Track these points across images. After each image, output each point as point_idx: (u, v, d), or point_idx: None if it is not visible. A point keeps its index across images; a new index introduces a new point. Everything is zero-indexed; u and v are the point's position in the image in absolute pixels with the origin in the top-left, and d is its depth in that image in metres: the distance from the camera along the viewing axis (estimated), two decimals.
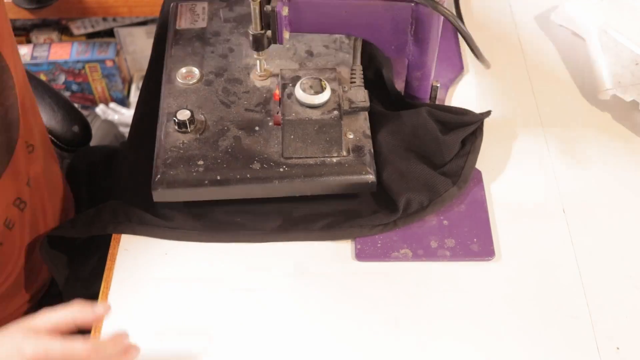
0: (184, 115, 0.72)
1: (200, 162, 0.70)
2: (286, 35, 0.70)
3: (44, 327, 0.57)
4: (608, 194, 0.75)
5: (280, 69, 0.76)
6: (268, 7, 0.68)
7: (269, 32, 0.70)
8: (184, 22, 0.85)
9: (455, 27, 0.70)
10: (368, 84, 0.78)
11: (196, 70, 0.79)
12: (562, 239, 0.72)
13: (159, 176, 0.70)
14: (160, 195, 0.71)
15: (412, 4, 0.69)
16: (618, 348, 0.64)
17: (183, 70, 0.79)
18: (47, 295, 0.82)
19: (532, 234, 0.72)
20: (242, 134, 0.73)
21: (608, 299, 0.67)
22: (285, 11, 0.68)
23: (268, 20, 0.69)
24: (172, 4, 0.88)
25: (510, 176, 0.77)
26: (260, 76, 0.78)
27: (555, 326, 0.65)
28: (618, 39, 0.85)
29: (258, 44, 0.71)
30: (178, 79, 0.78)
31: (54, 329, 0.57)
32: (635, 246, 0.71)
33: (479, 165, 0.77)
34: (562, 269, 0.69)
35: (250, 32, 0.70)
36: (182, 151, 0.71)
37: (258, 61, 0.77)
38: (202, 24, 0.85)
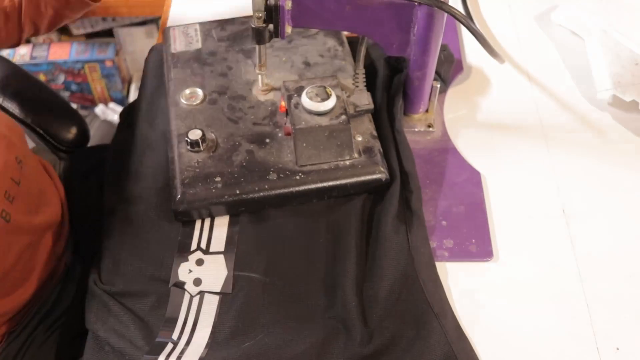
0: (195, 134, 0.73)
1: (218, 179, 0.71)
2: (288, 29, 0.70)
3: None
4: (608, 194, 0.75)
5: (283, 81, 0.77)
6: (271, 1, 0.68)
7: (270, 26, 0.70)
8: (179, 45, 0.86)
9: (466, 27, 0.70)
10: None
11: (199, 91, 0.80)
12: (562, 239, 0.71)
13: (179, 196, 0.71)
14: (182, 215, 0.71)
15: (416, 3, 0.69)
16: (618, 348, 0.63)
17: (187, 91, 0.80)
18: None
19: (531, 234, 0.72)
20: (254, 148, 0.74)
21: (608, 299, 0.67)
22: (288, 5, 0.68)
23: (271, 13, 0.69)
24: (165, 28, 0.89)
25: (509, 176, 0.77)
26: (262, 90, 0.80)
27: (555, 327, 0.65)
28: (618, 39, 0.85)
29: (260, 37, 0.71)
30: (182, 101, 0.79)
31: None
32: (636, 246, 0.71)
33: (478, 165, 0.77)
34: (562, 269, 0.69)
35: (252, 25, 0.70)
36: (198, 170, 0.72)
37: (259, 76, 0.79)
38: (196, 45, 0.86)
